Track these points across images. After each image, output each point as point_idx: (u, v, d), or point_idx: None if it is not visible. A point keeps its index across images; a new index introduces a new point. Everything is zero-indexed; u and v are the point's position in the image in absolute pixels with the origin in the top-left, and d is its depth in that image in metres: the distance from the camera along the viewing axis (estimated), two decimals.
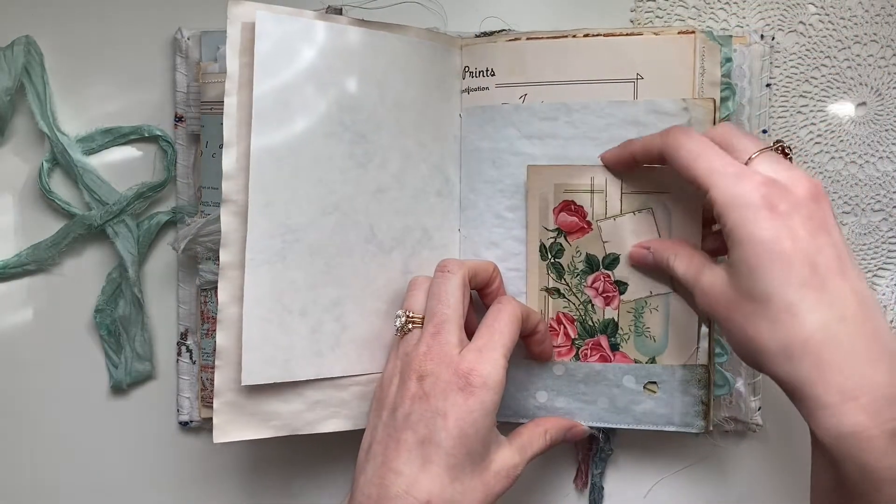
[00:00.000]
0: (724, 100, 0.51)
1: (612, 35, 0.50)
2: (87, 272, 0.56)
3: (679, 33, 0.49)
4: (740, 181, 0.39)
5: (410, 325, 0.46)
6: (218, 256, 0.52)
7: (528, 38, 0.51)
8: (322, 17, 0.48)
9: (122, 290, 0.55)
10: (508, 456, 0.44)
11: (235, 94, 0.46)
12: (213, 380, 0.53)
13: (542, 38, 0.51)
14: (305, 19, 0.47)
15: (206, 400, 0.54)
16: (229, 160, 0.46)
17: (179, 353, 0.55)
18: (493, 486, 0.43)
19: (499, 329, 0.44)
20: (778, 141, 0.43)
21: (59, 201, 0.55)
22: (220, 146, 0.52)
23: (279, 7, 0.46)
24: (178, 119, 0.55)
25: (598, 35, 0.50)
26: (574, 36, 0.50)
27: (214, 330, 0.53)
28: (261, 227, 0.46)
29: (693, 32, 0.49)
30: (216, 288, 0.53)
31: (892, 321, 0.54)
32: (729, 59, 0.50)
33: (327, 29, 0.48)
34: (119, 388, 0.55)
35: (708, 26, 0.54)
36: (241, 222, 0.46)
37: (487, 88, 0.52)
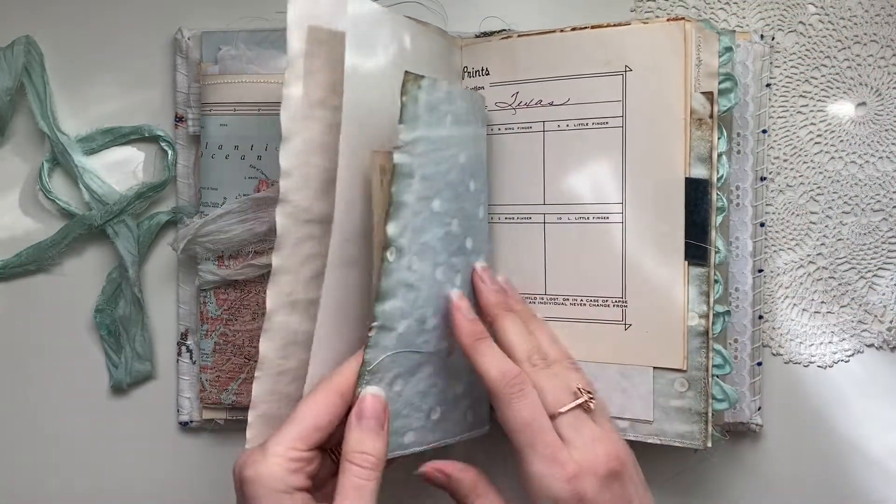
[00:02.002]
0: (725, 91, 0.48)
1: (600, 27, 0.49)
2: (87, 272, 0.56)
3: (669, 21, 0.47)
4: (552, 467, 0.42)
5: None
6: (216, 257, 0.52)
7: (519, 36, 0.51)
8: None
9: (122, 290, 0.55)
10: None
11: (295, 84, 0.43)
12: (211, 381, 0.54)
13: (531, 34, 0.50)
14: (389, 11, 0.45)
15: (206, 401, 0.54)
16: (288, 155, 0.43)
17: (179, 353, 0.55)
18: None
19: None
20: (588, 392, 0.44)
21: (59, 201, 0.55)
22: (220, 147, 0.52)
23: None
24: (179, 119, 0.55)
25: (585, 28, 0.49)
26: (562, 30, 0.50)
27: (213, 331, 0.53)
28: (343, 232, 0.43)
29: (683, 20, 0.47)
30: (215, 288, 0.53)
31: (892, 321, 0.54)
32: (729, 49, 0.48)
33: (402, 23, 0.46)
34: (119, 388, 0.56)
35: None
36: (294, 223, 0.43)
37: (483, 88, 0.52)
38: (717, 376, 0.48)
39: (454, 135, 0.45)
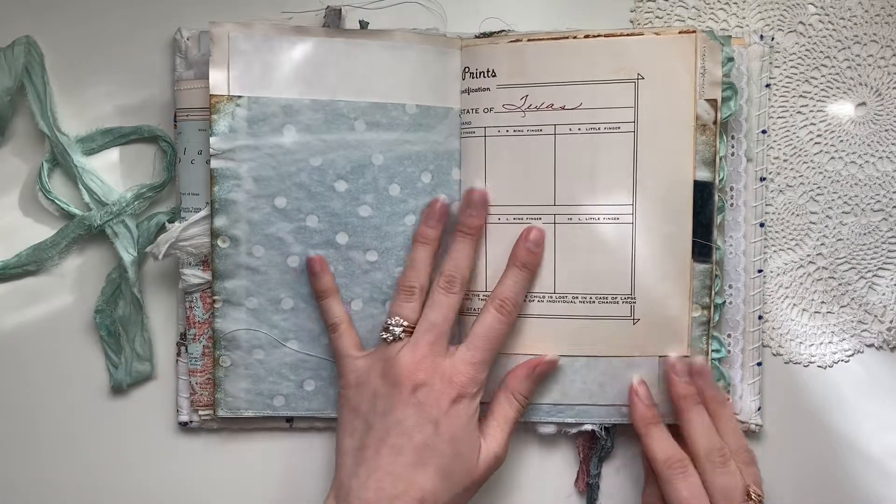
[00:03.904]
0: (725, 100, 0.51)
1: (613, 35, 0.50)
2: (87, 272, 0.56)
3: (680, 33, 0.50)
4: None
5: (403, 335, 0.48)
6: (201, 261, 0.52)
7: (529, 40, 0.51)
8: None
9: (121, 291, 0.55)
10: (491, 447, 0.49)
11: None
12: (201, 384, 0.54)
13: (542, 38, 0.51)
14: None
15: (197, 404, 0.54)
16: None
17: (179, 354, 0.55)
18: (479, 478, 0.48)
19: (483, 341, 0.49)
20: (758, 493, 0.49)
21: (59, 201, 0.55)
22: (199, 153, 0.52)
23: None
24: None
25: (598, 36, 0.50)
26: (575, 37, 0.51)
27: (201, 335, 0.53)
28: None
29: (694, 32, 0.50)
30: (201, 292, 0.53)
31: (892, 321, 0.54)
32: (731, 59, 0.51)
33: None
34: (119, 389, 0.55)
35: (707, 27, 0.54)
36: None
37: (489, 89, 0.52)
38: (715, 360, 0.52)
39: (302, 141, 0.51)
